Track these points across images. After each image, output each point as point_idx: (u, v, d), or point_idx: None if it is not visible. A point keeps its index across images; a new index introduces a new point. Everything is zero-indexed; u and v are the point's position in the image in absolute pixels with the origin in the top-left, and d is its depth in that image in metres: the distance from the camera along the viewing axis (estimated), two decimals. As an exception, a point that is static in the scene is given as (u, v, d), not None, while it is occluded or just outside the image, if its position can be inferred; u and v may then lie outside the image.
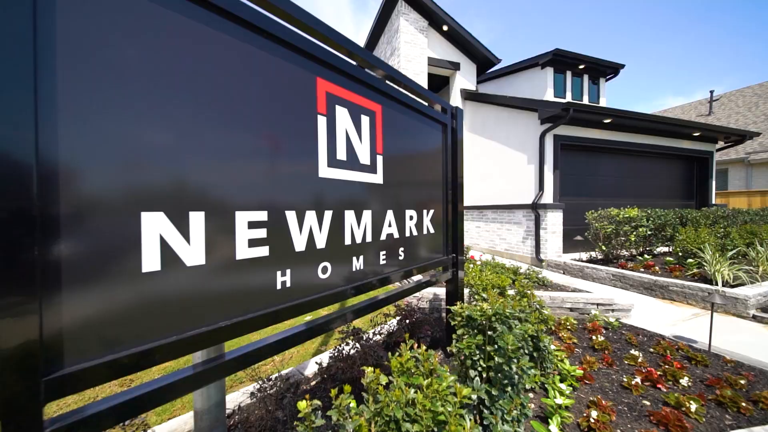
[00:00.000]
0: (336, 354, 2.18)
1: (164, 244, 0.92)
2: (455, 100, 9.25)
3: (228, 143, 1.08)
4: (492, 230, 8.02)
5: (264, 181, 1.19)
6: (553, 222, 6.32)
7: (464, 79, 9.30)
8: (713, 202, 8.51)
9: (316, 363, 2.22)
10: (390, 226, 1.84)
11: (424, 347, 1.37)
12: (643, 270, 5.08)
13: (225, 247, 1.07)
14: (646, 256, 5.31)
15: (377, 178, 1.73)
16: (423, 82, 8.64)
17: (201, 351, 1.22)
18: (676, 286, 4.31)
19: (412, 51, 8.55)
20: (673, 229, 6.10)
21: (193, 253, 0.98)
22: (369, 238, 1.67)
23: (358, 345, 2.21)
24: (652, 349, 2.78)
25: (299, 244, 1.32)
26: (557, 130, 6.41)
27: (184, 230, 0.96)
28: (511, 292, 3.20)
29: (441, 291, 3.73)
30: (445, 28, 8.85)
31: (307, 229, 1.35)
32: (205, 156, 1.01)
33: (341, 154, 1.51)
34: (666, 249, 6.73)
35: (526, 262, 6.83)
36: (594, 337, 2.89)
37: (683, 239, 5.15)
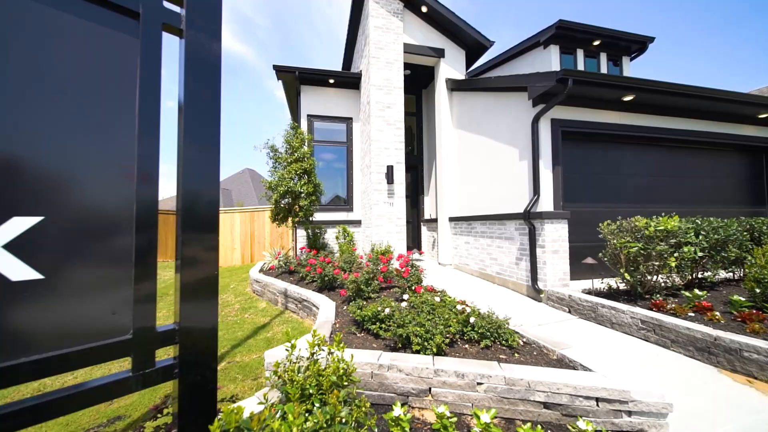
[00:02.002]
0: None
1: None
2: (440, 92, 7.76)
3: None
4: (481, 247, 6.27)
5: None
6: (554, 237, 4.52)
7: (450, 67, 7.81)
8: (796, 208, 6.17)
9: None
10: None
11: None
12: (693, 314, 3.18)
13: None
14: (697, 291, 3.38)
15: None
16: (399, 71, 7.28)
17: None
18: (760, 352, 2.42)
19: (384, 37, 7.25)
20: (739, 248, 4.07)
21: None
22: None
23: None
24: None
25: None
26: (554, 113, 4.70)
27: None
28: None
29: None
30: (424, 9, 7.49)
31: None
32: None
33: None
34: (729, 276, 4.63)
35: (521, 291, 5.03)
36: None
37: (763, 264, 3.19)
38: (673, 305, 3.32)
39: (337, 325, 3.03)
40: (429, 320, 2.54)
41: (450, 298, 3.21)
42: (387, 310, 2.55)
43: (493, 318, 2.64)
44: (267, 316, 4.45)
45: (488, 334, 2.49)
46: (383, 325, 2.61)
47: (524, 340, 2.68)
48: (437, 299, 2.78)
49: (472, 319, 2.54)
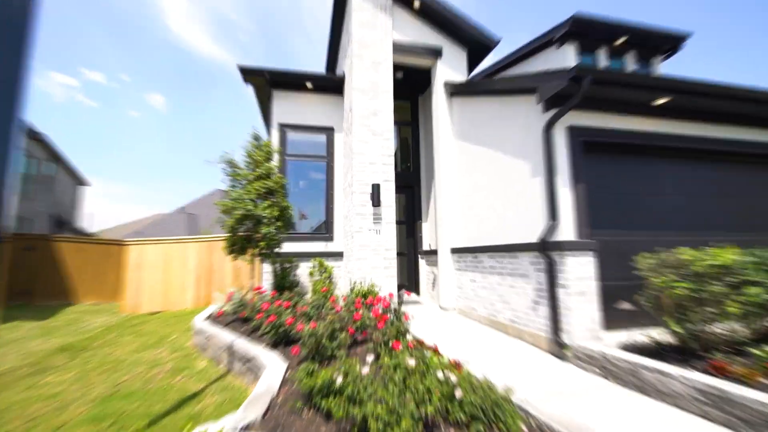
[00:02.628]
0: None
1: None
2: (438, 97, 7.77)
3: None
4: (491, 286, 5.92)
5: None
6: (579, 274, 4.20)
7: (449, 69, 7.88)
8: None
9: None
10: None
11: None
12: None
13: None
14: (770, 348, 3.01)
15: None
16: (387, 73, 7.32)
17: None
18: None
19: (370, 34, 7.37)
20: (820, 289, 3.73)
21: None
22: None
23: None
24: None
25: None
26: (572, 119, 4.56)
27: None
28: None
29: None
30: (416, 4, 7.70)
31: None
32: None
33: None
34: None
35: (540, 345, 4.62)
36: None
37: None
38: (740, 366, 2.94)
39: (280, 399, 2.65)
40: (398, 394, 2.18)
41: (437, 358, 2.85)
42: (340, 379, 2.20)
43: (488, 389, 2.28)
44: (203, 381, 4.04)
45: (481, 414, 2.12)
46: (336, 401, 2.25)
47: (534, 421, 2.30)
48: (412, 362, 2.42)
49: (458, 393, 2.18)
